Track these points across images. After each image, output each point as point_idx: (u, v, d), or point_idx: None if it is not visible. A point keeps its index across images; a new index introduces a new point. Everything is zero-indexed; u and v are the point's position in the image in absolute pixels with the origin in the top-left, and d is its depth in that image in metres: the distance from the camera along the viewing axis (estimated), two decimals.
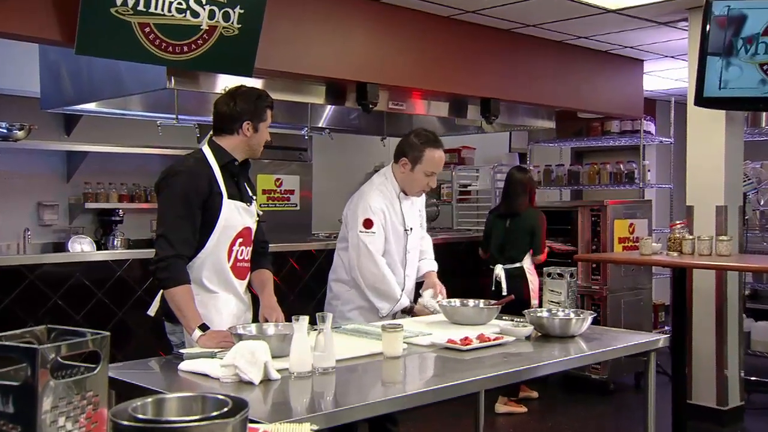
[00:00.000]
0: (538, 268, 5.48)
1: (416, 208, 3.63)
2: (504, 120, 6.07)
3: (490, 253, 5.59)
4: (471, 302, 3.36)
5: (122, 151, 6.13)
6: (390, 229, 3.47)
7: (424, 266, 3.72)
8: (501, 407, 5.41)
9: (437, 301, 3.44)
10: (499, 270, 5.39)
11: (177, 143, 6.02)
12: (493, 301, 3.37)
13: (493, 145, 8.52)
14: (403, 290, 3.54)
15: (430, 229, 7.96)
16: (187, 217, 2.79)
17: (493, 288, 5.37)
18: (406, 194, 3.53)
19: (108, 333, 1.43)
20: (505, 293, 5.13)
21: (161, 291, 2.85)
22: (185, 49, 3.85)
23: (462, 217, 7.59)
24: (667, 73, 7.40)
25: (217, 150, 2.92)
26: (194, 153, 2.96)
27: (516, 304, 5.15)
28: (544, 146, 7.74)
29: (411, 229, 3.54)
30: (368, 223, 3.42)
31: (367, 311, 3.52)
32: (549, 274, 3.36)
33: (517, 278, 5.35)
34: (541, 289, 3.40)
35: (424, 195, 3.65)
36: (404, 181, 3.49)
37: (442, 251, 6.53)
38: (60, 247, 5.99)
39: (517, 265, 5.39)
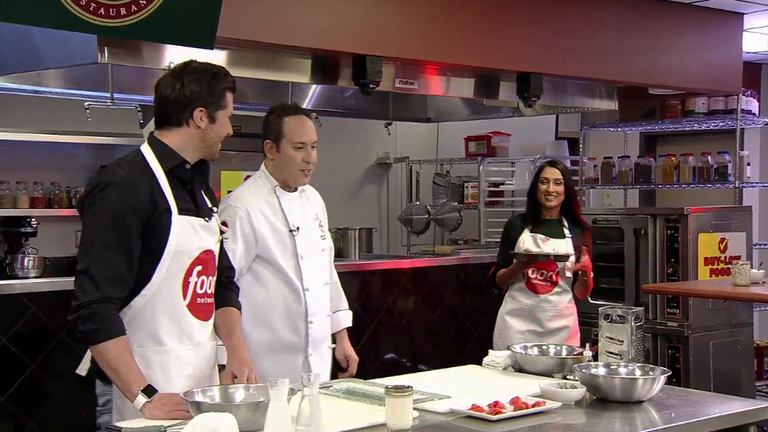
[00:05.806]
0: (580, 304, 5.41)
1: (311, 208, 3.87)
2: (548, 101, 6.10)
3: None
4: (552, 348, 3.59)
5: (36, 139, 6.17)
6: (267, 232, 3.67)
7: (337, 321, 4.02)
8: None
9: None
10: None
11: (112, 128, 6.08)
12: (578, 348, 3.51)
13: (533, 130, 8.46)
14: (306, 315, 3.72)
15: (451, 242, 7.96)
16: (120, 246, 2.80)
17: None
18: (291, 188, 3.79)
19: None
20: None
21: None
22: (122, 11, 3.89)
23: (492, 225, 7.63)
24: None
25: (160, 150, 2.95)
26: (129, 156, 2.97)
27: None
28: (602, 131, 7.75)
29: (298, 228, 3.74)
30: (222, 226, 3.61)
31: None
32: (606, 317, 3.42)
33: None
34: (582, 337, 3.47)
35: (320, 198, 3.93)
36: (279, 170, 3.77)
37: (464, 275, 6.50)
38: None
39: None
